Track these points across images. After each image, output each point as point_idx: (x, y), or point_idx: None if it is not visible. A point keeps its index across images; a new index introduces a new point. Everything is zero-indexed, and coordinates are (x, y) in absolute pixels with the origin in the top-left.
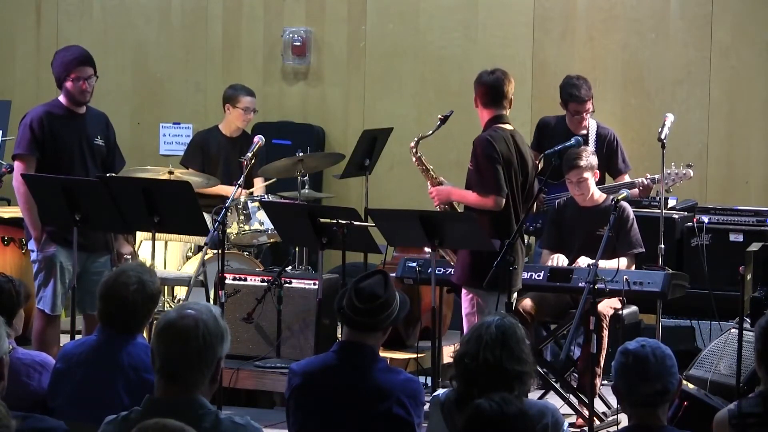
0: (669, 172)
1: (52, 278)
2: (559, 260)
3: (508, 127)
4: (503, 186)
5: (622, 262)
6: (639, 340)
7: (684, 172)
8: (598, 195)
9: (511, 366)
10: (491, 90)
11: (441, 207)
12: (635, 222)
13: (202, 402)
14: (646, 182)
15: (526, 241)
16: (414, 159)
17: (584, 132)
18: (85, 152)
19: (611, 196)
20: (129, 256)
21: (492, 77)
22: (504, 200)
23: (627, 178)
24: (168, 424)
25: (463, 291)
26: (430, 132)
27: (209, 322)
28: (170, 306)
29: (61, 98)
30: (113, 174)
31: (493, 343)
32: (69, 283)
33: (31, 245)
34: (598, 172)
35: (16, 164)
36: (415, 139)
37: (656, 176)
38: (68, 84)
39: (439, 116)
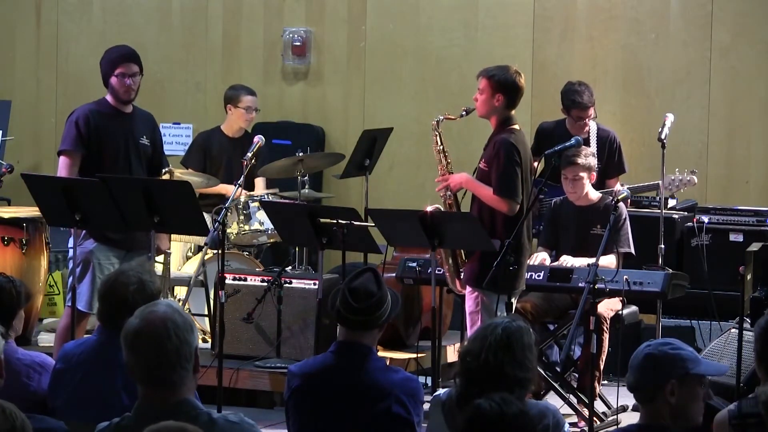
0: (673, 178)
1: (88, 275)
2: (538, 258)
3: (518, 127)
4: (520, 192)
5: (609, 258)
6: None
7: (688, 178)
8: (593, 195)
9: (513, 371)
10: (518, 93)
11: (447, 196)
12: (628, 222)
13: (193, 403)
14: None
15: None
16: (433, 137)
17: (585, 136)
18: (131, 151)
19: (609, 197)
20: (169, 251)
21: (514, 77)
22: (518, 206)
23: (618, 185)
24: (176, 426)
25: (468, 289)
26: (454, 117)
27: (176, 318)
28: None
29: (108, 97)
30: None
31: (497, 345)
32: None
33: (70, 242)
34: (594, 174)
35: (61, 159)
36: (439, 117)
37: (658, 182)
38: (113, 80)
39: (463, 108)
